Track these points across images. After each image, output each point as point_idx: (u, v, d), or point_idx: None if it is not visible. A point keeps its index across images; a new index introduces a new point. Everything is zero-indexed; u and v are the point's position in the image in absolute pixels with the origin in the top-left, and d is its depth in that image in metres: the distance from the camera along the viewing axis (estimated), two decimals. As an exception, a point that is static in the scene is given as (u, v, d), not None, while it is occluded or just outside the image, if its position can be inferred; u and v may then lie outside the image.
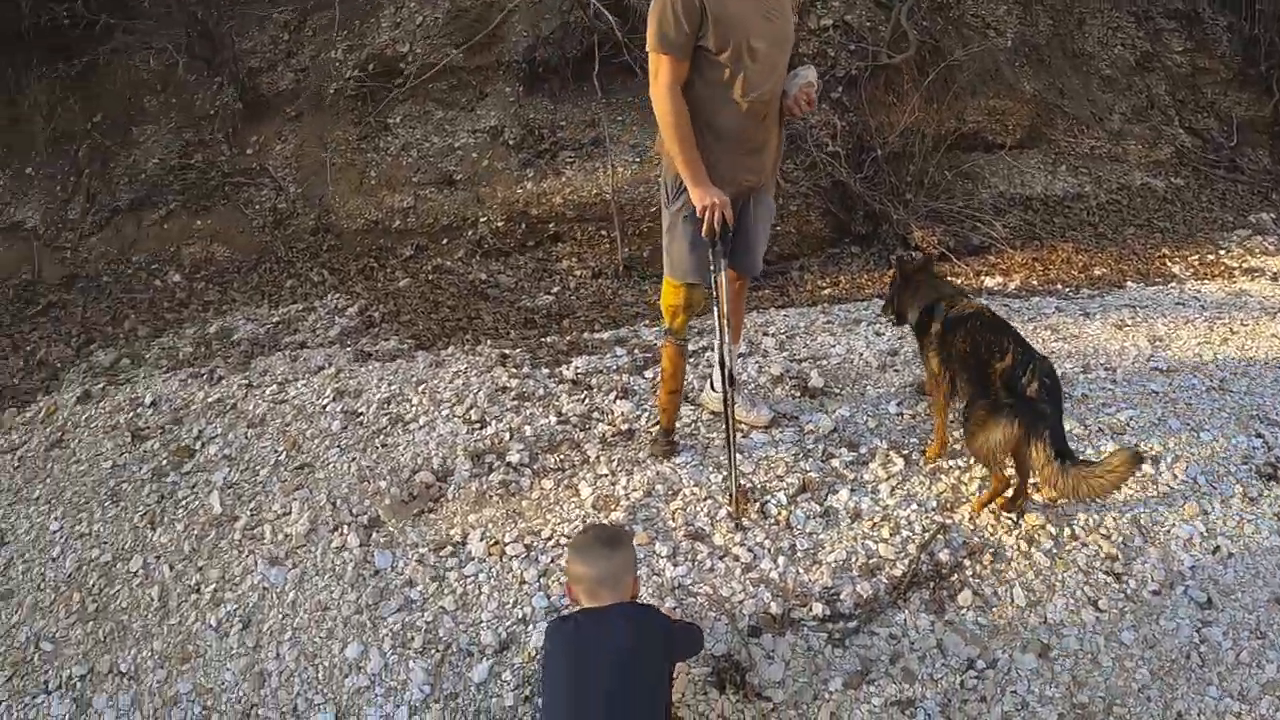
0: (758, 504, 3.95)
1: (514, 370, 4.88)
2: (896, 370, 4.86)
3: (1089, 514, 3.90)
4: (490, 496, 4.07)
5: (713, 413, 4.43)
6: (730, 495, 3.90)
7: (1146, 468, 4.08)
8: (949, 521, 3.92)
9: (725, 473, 4.00)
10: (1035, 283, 6.24)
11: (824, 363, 4.92)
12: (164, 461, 4.65)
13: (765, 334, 5.38)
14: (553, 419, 4.50)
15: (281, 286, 6.53)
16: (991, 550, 3.80)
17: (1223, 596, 3.60)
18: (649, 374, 4.78)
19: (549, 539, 3.83)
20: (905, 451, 4.27)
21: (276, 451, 4.53)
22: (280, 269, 6.61)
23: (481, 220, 6.24)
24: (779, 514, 3.96)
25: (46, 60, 7.26)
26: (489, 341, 5.28)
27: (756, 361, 4.98)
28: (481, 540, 3.85)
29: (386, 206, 6.63)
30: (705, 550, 3.77)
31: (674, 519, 3.92)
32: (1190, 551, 3.79)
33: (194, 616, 3.81)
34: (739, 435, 4.10)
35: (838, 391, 4.65)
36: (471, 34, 6.49)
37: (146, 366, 5.68)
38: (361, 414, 4.69)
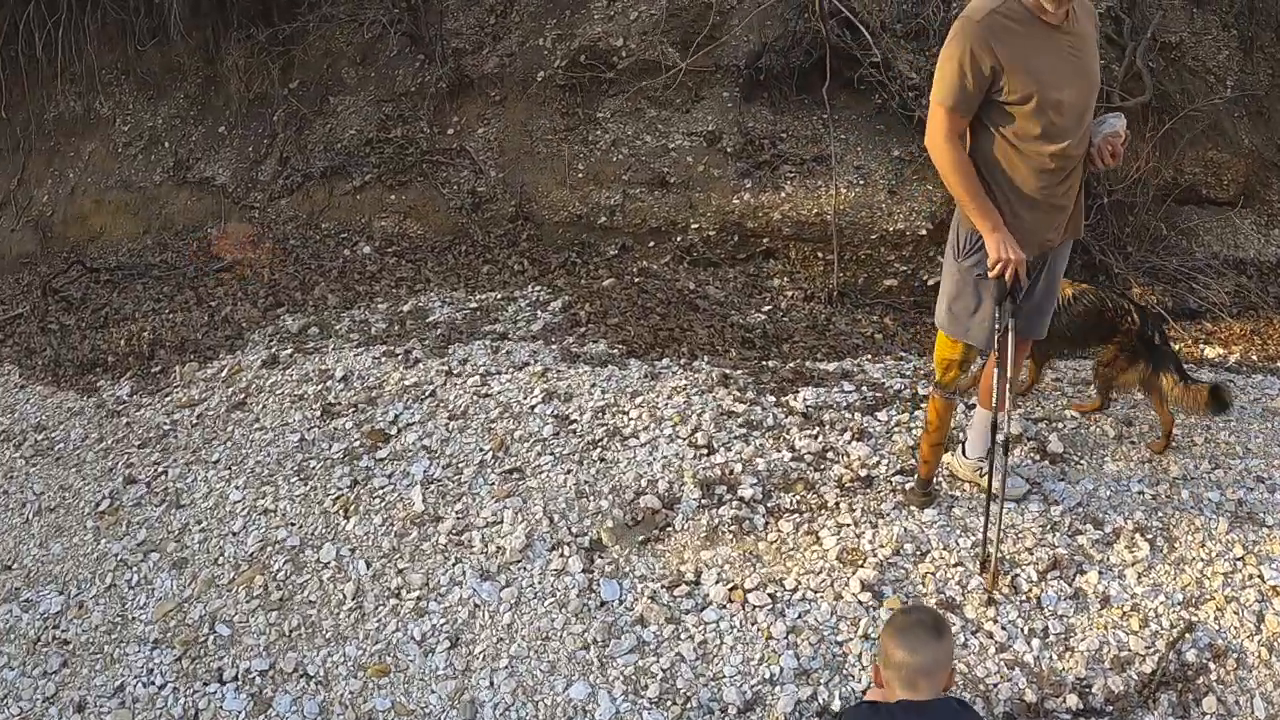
0: (1009, 577, 3.74)
1: (738, 394, 4.65)
2: (1133, 443, 4.53)
3: None
4: (723, 533, 3.85)
5: (958, 478, 4.19)
6: (985, 566, 3.73)
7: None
8: (1195, 619, 3.71)
9: (976, 538, 3.82)
10: (1255, 357, 5.84)
11: (1060, 426, 4.58)
12: (357, 443, 4.50)
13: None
14: (785, 454, 4.27)
15: (478, 271, 6.38)
16: (1235, 655, 3.60)
17: None
18: (881, 415, 4.55)
19: (794, 591, 3.62)
20: (1150, 536, 4.02)
21: (482, 450, 4.34)
22: (476, 253, 6.46)
23: (693, 227, 6.02)
24: (1030, 591, 3.75)
25: (247, 24, 7.18)
26: (706, 358, 5.04)
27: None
28: (718, 582, 3.64)
29: (592, 202, 6.46)
30: (958, 623, 3.58)
31: (924, 583, 3.72)
32: None
33: (394, 625, 3.64)
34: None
35: (1077, 460, 4.32)
36: (689, 34, 6.26)
37: (336, 338, 5.53)
38: (575, 421, 4.48)
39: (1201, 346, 5.95)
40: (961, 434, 4.22)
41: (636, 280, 5.92)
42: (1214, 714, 3.39)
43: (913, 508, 4.00)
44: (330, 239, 6.75)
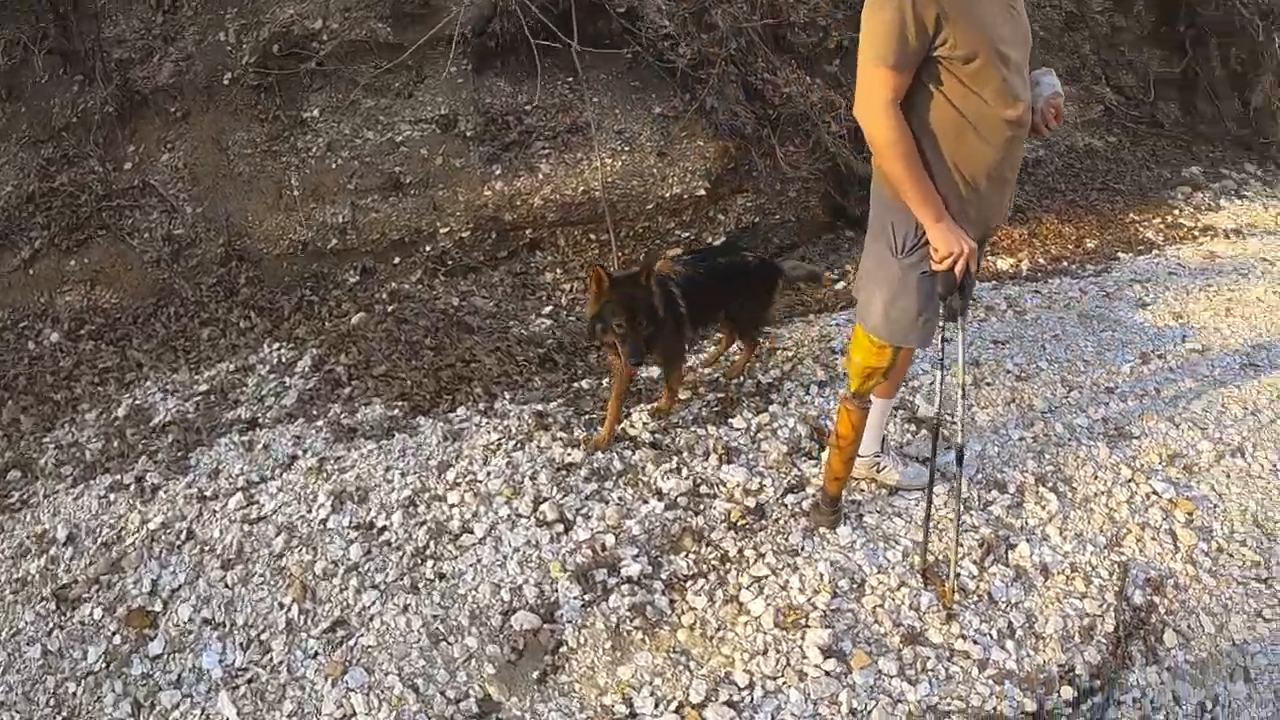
0: (955, 579, 3.28)
1: (563, 435, 3.80)
2: (988, 384, 4.20)
3: (1226, 524, 3.73)
4: (630, 634, 3.06)
5: (883, 486, 3.69)
6: (929, 576, 3.33)
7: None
8: (1124, 558, 3.56)
9: (901, 545, 3.43)
10: (1042, 261, 5.96)
11: (914, 383, 4.14)
12: (117, 638, 3.18)
13: (828, 351, 4.51)
14: (655, 504, 3.51)
15: (198, 339, 4.84)
16: (1170, 580, 3.51)
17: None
18: (737, 421, 3.90)
19: (750, 687, 2.86)
20: (1050, 484, 3.80)
21: (282, 605, 3.20)
22: (189, 314, 4.90)
23: (442, 231, 4.86)
24: (978, 587, 3.34)
25: None
26: (507, 395, 4.05)
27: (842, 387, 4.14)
28: (660, 706, 2.81)
29: (316, 222, 5.06)
30: (931, 655, 3.09)
31: (879, 621, 3.18)
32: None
33: None
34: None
35: (950, 419, 3.87)
36: (400, 3, 5.00)
37: (45, 479, 3.96)
38: (384, 529, 3.45)
39: (994, 260, 5.83)
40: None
41: (390, 309, 4.73)
42: (1176, 645, 3.28)
43: (823, 529, 3.41)
44: (7, 333, 4.92)
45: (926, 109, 2.53)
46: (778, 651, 2.97)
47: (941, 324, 2.89)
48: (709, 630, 3.03)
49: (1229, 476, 4.05)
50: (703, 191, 4.70)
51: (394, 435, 3.81)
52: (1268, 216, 7.18)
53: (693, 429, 3.84)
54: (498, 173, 4.73)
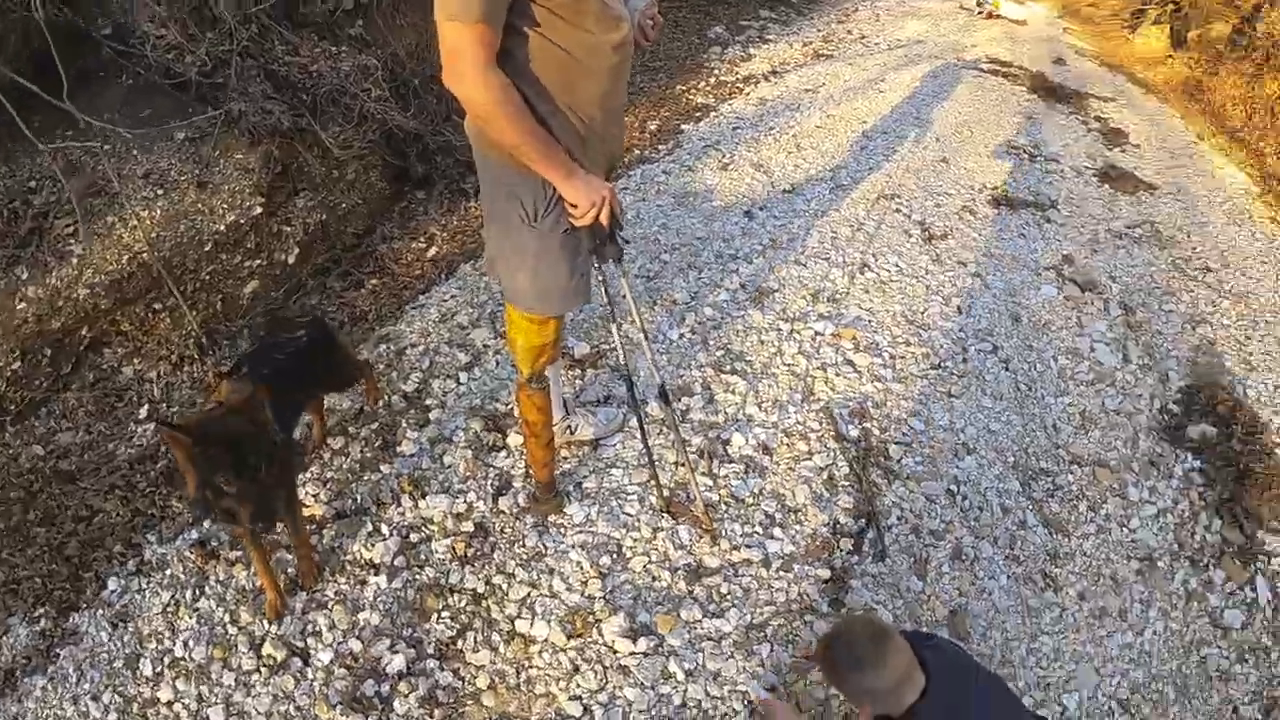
0: (699, 500, 3.22)
1: (237, 552, 3.12)
2: (624, 297, 4.15)
3: (885, 333, 4.05)
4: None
5: (583, 445, 3.48)
6: (672, 509, 3.25)
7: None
8: (822, 403, 3.75)
9: (633, 494, 3.30)
10: (635, 150, 5.85)
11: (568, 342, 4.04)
12: None
13: (459, 330, 4.17)
14: (376, 579, 3.04)
15: None
16: (869, 403, 3.77)
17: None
18: (406, 448, 3.47)
19: (586, 713, 2.62)
20: (727, 368, 3.87)
21: None
22: None
23: None
24: (720, 496, 3.34)
25: None
26: (154, 538, 3.26)
27: (493, 362, 3.90)
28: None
29: None
30: (720, 580, 3.03)
31: (656, 577, 3.05)
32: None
33: None
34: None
35: (567, 345, 3.86)
36: None
37: None
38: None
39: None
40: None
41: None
42: (903, 455, 3.52)
43: (552, 518, 3.20)
44: None
45: (526, 56, 2.23)
46: (587, 661, 2.73)
47: (601, 277, 2.74)
48: (510, 679, 2.71)
49: (868, 292, 4.38)
50: (259, 209, 4.11)
51: (57, 654, 3.00)
52: (794, 52, 7.90)
53: (365, 477, 3.38)
54: (25, 276, 3.74)
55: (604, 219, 2.41)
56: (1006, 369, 4.13)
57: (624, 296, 2.92)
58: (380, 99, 4.50)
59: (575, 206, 2.36)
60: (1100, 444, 3.89)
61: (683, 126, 6.05)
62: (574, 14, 2.15)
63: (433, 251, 4.57)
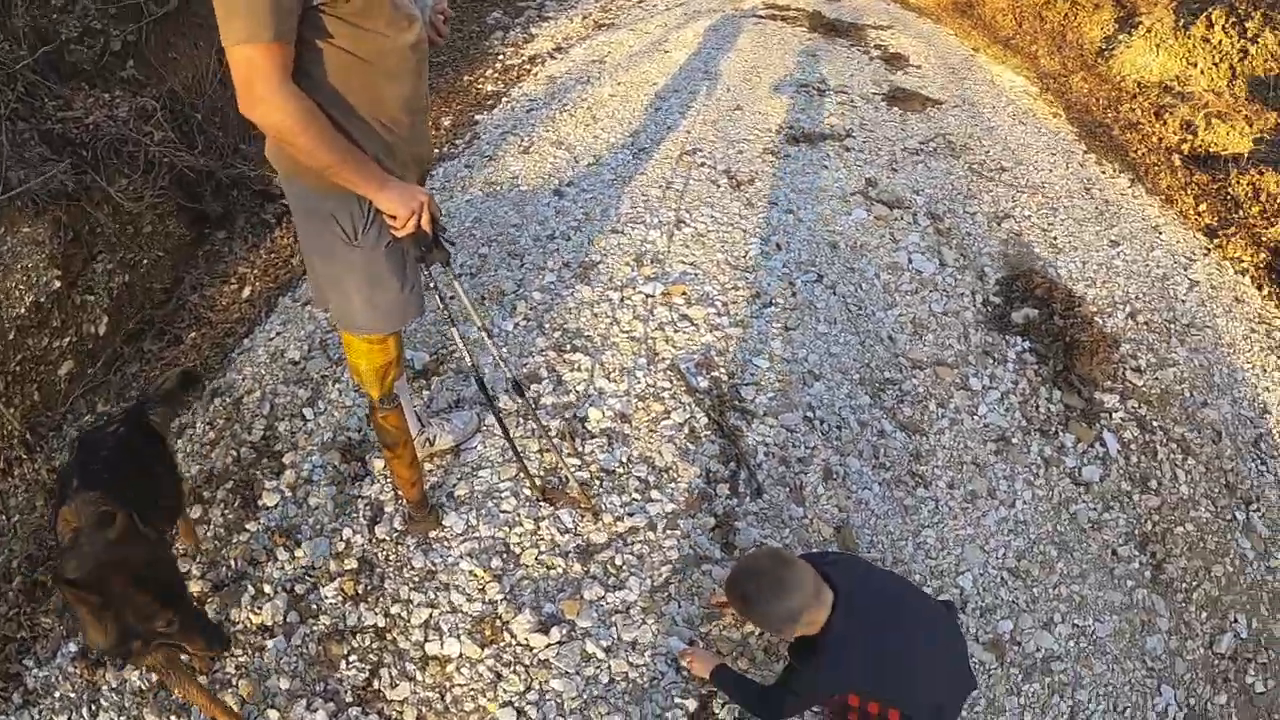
0: (573, 482, 3.24)
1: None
2: (454, 297, 4.12)
3: (713, 283, 4.12)
4: None
5: (445, 454, 3.41)
6: (548, 496, 3.24)
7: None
8: (667, 361, 3.80)
9: (508, 492, 3.24)
10: (435, 149, 5.67)
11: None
12: None
13: (293, 365, 3.93)
14: (274, 640, 2.87)
15: None
16: (712, 351, 3.83)
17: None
18: (268, 499, 3.29)
19: (520, 717, 2.57)
20: (568, 347, 3.85)
21: None
22: None
23: None
24: (592, 472, 3.34)
25: None
26: (34, 667, 2.97)
27: (335, 392, 3.75)
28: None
29: None
30: (612, 551, 3.05)
31: (550, 565, 3.04)
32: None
33: None
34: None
35: (407, 359, 3.73)
36: None
37: None
38: None
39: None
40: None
41: None
42: (755, 395, 3.60)
43: (433, 534, 3.13)
44: None
45: (322, 70, 2.14)
46: (507, 666, 2.71)
47: (432, 282, 2.69)
48: (437, 705, 2.63)
49: (688, 247, 4.47)
50: (57, 283, 3.81)
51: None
52: (576, 26, 7.91)
53: (234, 540, 3.19)
54: None
55: (425, 225, 2.35)
56: (834, 294, 4.31)
57: (453, 298, 2.86)
58: (164, 141, 4.26)
59: (394, 217, 2.29)
60: (936, 345, 4.11)
61: (477, 117, 5.98)
62: (365, 18, 2.08)
63: (247, 291, 4.37)
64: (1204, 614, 3.29)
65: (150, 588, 2.13)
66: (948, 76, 7.30)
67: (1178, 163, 6.31)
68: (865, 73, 7.14)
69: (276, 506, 3.26)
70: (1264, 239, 5.36)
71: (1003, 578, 3.21)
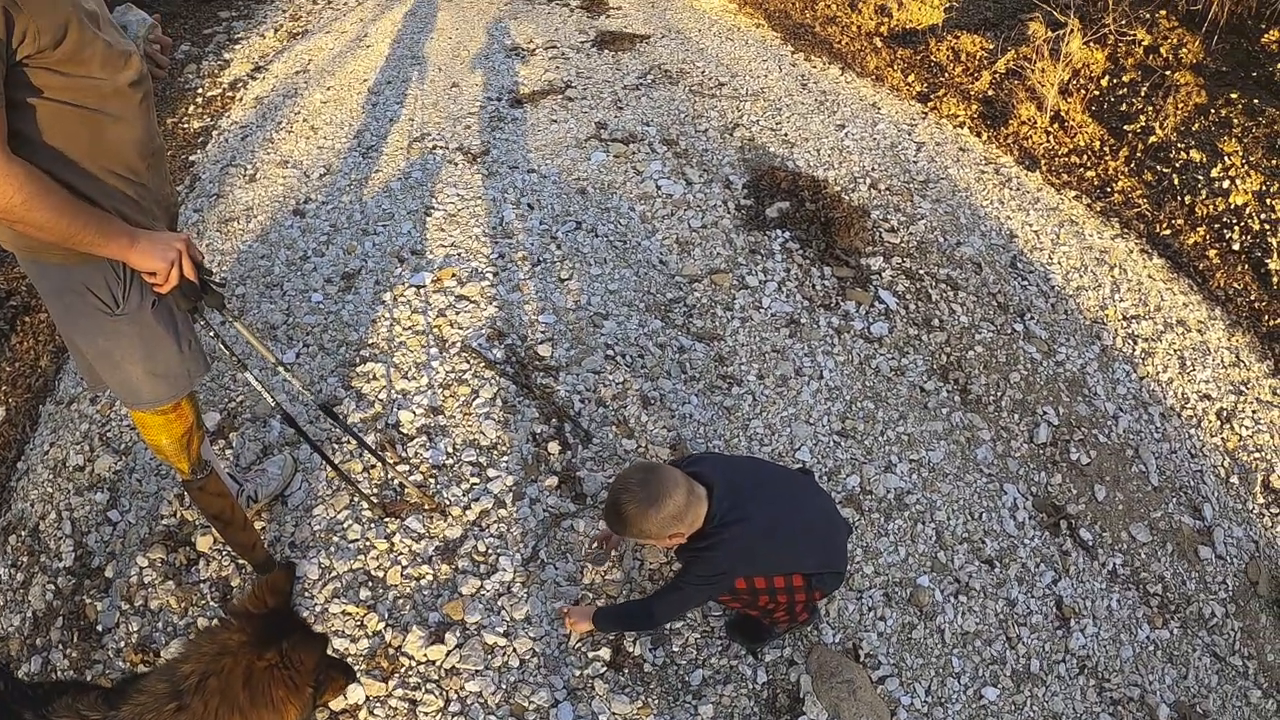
0: (411, 487, 3.25)
1: None
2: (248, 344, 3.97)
3: (467, 267, 4.19)
4: None
5: (272, 503, 3.30)
6: (406, 504, 3.24)
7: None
8: (486, 340, 3.86)
9: (346, 521, 3.21)
10: None
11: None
12: None
13: (93, 472, 3.58)
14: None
15: None
16: (529, 327, 3.92)
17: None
18: (106, 624, 3.04)
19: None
20: (367, 359, 3.82)
21: None
22: None
23: None
24: (424, 472, 3.36)
25: None
26: None
27: (134, 481, 3.46)
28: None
29: None
30: (471, 546, 3.09)
31: (418, 577, 3.03)
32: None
33: None
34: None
35: (215, 416, 3.63)
36: None
37: None
38: None
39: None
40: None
41: None
42: (557, 351, 3.66)
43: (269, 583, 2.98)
44: None
45: (35, 128, 1.96)
46: (416, 689, 2.67)
47: (210, 331, 2.56)
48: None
49: (443, 230, 4.54)
50: None
51: None
52: (269, 41, 7.58)
53: (86, 678, 2.98)
54: None
55: (189, 272, 2.21)
56: (596, 236, 4.46)
57: (232, 342, 2.73)
58: None
59: (154, 274, 2.16)
60: (705, 257, 4.35)
61: (191, 158, 5.67)
62: (77, 64, 1.93)
63: (1, 413, 4.03)
64: (1016, 416, 3.79)
65: None
66: (649, 11, 7.60)
67: (880, 44, 6.99)
68: (569, 24, 7.32)
69: (118, 625, 2.99)
70: (972, 93, 6.06)
71: (835, 441, 3.51)
